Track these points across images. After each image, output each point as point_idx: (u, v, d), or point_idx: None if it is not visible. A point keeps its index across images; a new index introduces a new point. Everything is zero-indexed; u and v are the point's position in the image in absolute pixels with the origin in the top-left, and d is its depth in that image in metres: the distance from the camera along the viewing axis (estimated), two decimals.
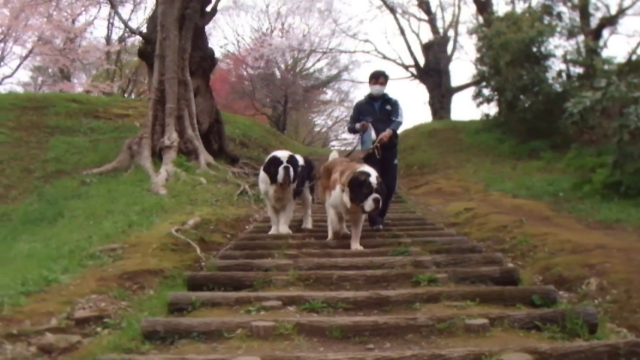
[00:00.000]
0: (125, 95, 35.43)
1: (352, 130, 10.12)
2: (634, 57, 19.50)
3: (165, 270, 6.79)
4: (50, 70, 37.85)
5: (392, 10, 36.35)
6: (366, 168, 7.88)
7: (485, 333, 4.42)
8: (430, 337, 4.49)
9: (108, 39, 36.11)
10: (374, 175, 7.63)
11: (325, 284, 6.05)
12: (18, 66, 34.40)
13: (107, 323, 5.26)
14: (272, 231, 8.96)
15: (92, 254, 7.29)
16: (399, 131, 9.94)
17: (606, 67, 16.94)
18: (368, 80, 10.05)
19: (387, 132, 9.46)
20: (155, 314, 5.27)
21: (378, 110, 9.77)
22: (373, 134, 9.55)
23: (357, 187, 7.59)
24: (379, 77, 9.90)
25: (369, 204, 7.52)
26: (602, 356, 3.76)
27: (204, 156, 15.82)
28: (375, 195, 7.51)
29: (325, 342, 4.48)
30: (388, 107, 9.76)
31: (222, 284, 6.13)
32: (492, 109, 23.49)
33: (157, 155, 15.15)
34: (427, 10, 35.48)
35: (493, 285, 5.87)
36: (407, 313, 5.06)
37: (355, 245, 7.80)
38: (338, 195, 7.93)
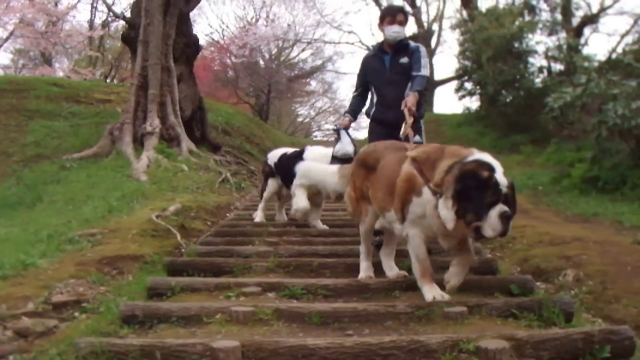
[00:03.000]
0: (108, 80, 35.14)
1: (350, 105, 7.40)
2: (614, 56, 19.67)
3: (145, 255, 6.78)
4: (31, 53, 37.55)
5: (377, 2, 36.46)
6: (481, 155, 4.72)
7: (464, 320, 4.46)
8: (409, 324, 4.53)
9: (91, 23, 35.81)
10: (499, 170, 4.55)
11: (305, 271, 6.08)
12: None
13: (85, 308, 5.24)
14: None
15: (71, 238, 7.25)
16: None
17: (586, 64, 17.11)
18: (379, 21, 7.07)
19: (411, 98, 6.31)
20: (134, 299, 5.27)
21: (389, 66, 6.89)
22: (347, 143, 7.14)
23: (474, 190, 4.44)
24: (396, 14, 6.94)
25: (492, 225, 4.43)
26: (577, 343, 3.81)
27: (186, 143, 15.76)
28: (502, 208, 4.43)
29: (305, 327, 4.49)
30: (404, 59, 6.80)
31: (202, 269, 6.14)
32: (474, 102, 23.80)
33: (139, 141, 15.06)
34: (412, 3, 35.51)
35: (472, 275, 5.90)
36: (387, 300, 5.09)
37: None
38: (427, 206, 4.77)
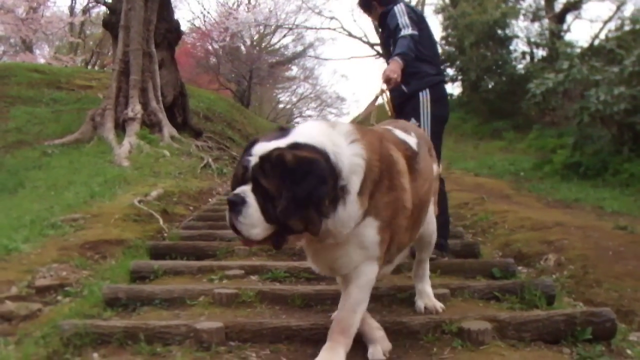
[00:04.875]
0: (89, 67, 34.87)
1: None
2: (596, 42, 19.76)
3: (128, 240, 6.76)
4: (12, 40, 37.18)
5: None
6: (299, 131, 3.23)
7: (446, 302, 4.46)
8: (392, 306, 4.56)
9: (72, 9, 35.50)
10: (294, 138, 3.12)
11: (288, 255, 6.07)
12: None
13: (68, 291, 5.23)
14: None
15: (54, 223, 7.21)
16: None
17: (569, 50, 17.20)
18: None
19: (390, 65, 5.37)
20: (117, 283, 5.26)
21: (384, 43, 6.28)
22: None
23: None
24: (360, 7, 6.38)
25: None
26: (559, 325, 3.84)
27: (168, 129, 15.69)
28: (232, 197, 3.07)
29: (288, 310, 4.51)
30: (385, 33, 6.03)
31: (185, 253, 6.18)
32: (456, 88, 23.79)
33: (121, 127, 14.97)
34: None
35: (454, 258, 5.93)
36: None
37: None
38: None
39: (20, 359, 3.73)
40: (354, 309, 3.42)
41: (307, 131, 3.20)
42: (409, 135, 3.97)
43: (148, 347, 3.71)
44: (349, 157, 3.14)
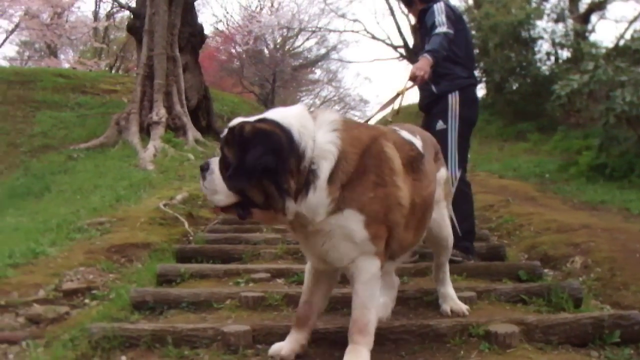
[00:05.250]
0: (113, 71, 35.13)
1: None
2: (621, 42, 19.56)
3: (154, 243, 6.81)
4: (36, 45, 37.61)
5: None
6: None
7: (472, 305, 4.46)
8: (418, 309, 4.55)
9: (96, 14, 35.78)
10: (256, 117, 3.31)
11: None
12: (4, 40, 34.23)
13: (95, 295, 5.29)
14: None
15: (80, 227, 7.29)
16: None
17: (594, 51, 17.03)
18: None
19: (419, 62, 5.28)
20: (144, 286, 5.29)
21: (421, 40, 6.04)
22: None
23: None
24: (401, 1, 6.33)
25: None
26: (587, 328, 3.81)
27: (192, 132, 15.79)
28: (202, 164, 3.42)
29: None
30: (423, 31, 5.89)
31: (211, 256, 6.19)
32: (480, 90, 23.58)
33: (145, 131, 15.09)
34: None
35: (480, 261, 5.91)
36: None
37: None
38: None
39: None
40: (365, 306, 3.45)
41: (282, 112, 3.31)
42: (415, 137, 3.98)
43: (176, 350, 3.73)
44: (321, 143, 3.20)
